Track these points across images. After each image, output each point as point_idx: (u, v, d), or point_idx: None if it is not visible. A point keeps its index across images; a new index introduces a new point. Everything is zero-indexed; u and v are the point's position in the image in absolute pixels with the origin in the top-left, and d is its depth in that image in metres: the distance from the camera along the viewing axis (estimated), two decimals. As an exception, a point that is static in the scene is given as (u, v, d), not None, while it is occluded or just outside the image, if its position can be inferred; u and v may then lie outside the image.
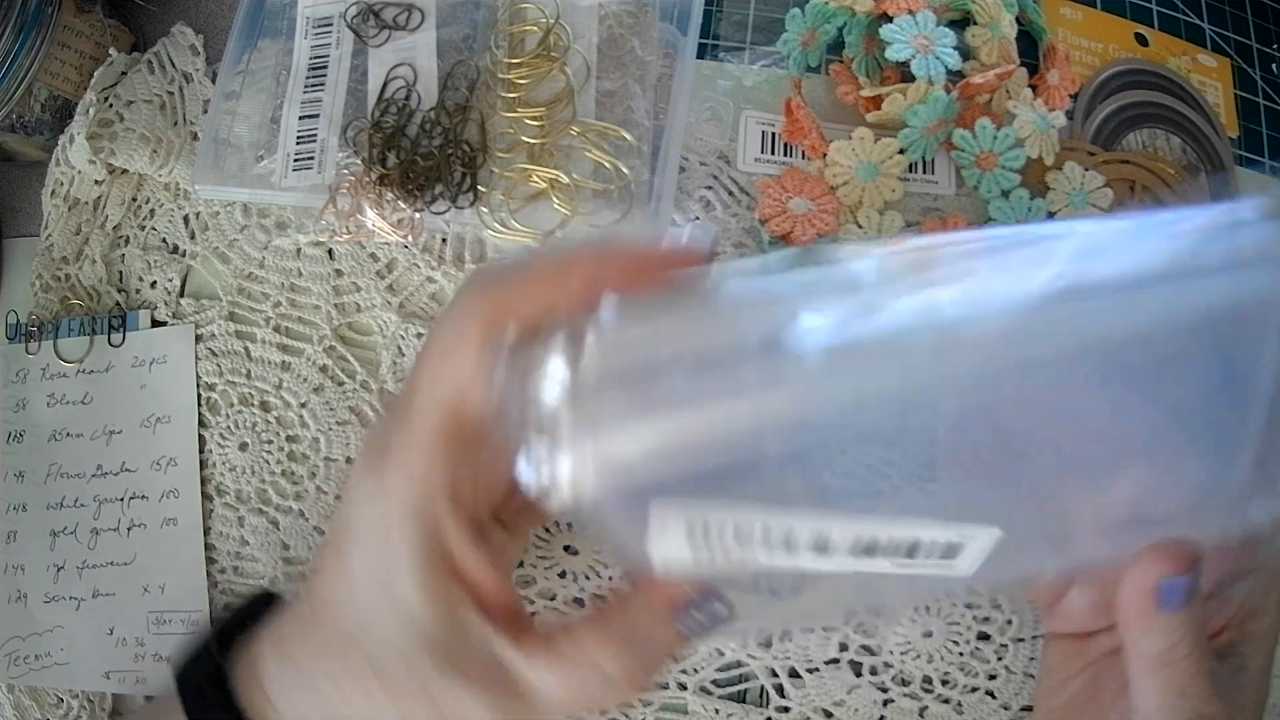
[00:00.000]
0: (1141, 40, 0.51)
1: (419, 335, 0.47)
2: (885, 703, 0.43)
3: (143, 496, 0.47)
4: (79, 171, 0.51)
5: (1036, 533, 0.25)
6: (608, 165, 0.45)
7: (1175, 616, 0.26)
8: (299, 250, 0.49)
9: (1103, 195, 0.45)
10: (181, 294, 0.50)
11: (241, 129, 0.49)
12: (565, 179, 0.45)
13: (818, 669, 0.43)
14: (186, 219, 0.51)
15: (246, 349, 0.49)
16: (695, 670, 0.44)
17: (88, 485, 0.48)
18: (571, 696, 0.25)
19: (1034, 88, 0.48)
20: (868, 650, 0.43)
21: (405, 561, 0.25)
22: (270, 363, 0.48)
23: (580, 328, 0.22)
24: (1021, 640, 0.43)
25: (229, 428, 0.48)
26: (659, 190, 0.46)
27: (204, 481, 0.47)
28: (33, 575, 0.47)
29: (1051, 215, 0.45)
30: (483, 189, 0.46)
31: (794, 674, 0.43)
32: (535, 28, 0.48)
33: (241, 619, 0.31)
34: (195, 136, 0.51)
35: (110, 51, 0.51)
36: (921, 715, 0.43)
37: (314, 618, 0.28)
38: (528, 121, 0.46)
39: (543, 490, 0.22)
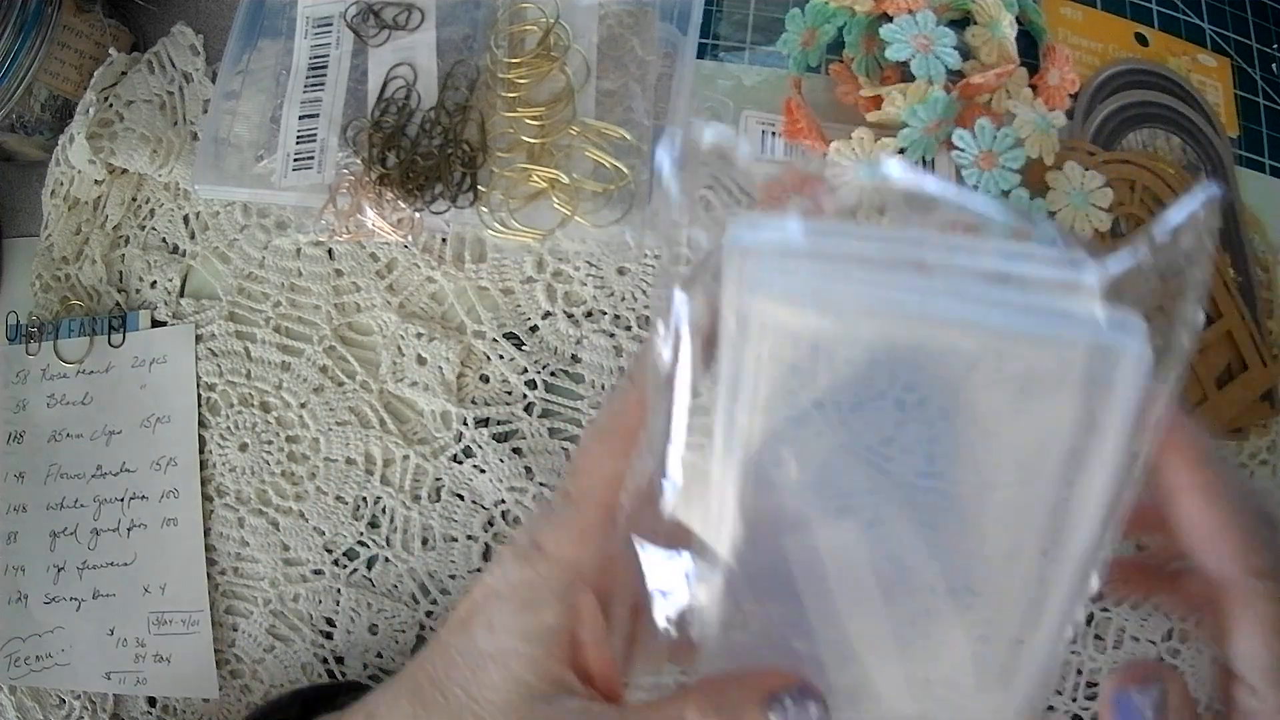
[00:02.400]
0: (1141, 40, 0.51)
1: (419, 335, 0.47)
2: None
3: (143, 497, 0.47)
4: (79, 171, 0.51)
5: None
6: (608, 165, 0.45)
7: None
8: (299, 250, 0.49)
9: (1103, 195, 0.45)
10: (181, 294, 0.50)
11: (241, 129, 0.49)
12: (565, 179, 0.45)
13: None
14: (186, 219, 0.51)
15: (246, 349, 0.49)
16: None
17: (88, 486, 0.48)
18: None
19: (1034, 87, 0.48)
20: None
21: (538, 640, 0.26)
22: (270, 363, 0.48)
23: None
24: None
25: (229, 428, 0.48)
26: (659, 191, 0.46)
27: (204, 482, 0.47)
28: (33, 576, 0.47)
29: (1052, 215, 0.45)
30: (483, 189, 0.46)
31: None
32: (535, 27, 0.48)
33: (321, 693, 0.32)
34: (195, 136, 0.51)
35: (110, 51, 0.51)
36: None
37: (416, 694, 0.28)
38: (528, 121, 0.46)
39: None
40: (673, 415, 0.25)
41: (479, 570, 0.45)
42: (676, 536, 0.26)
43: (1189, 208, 0.22)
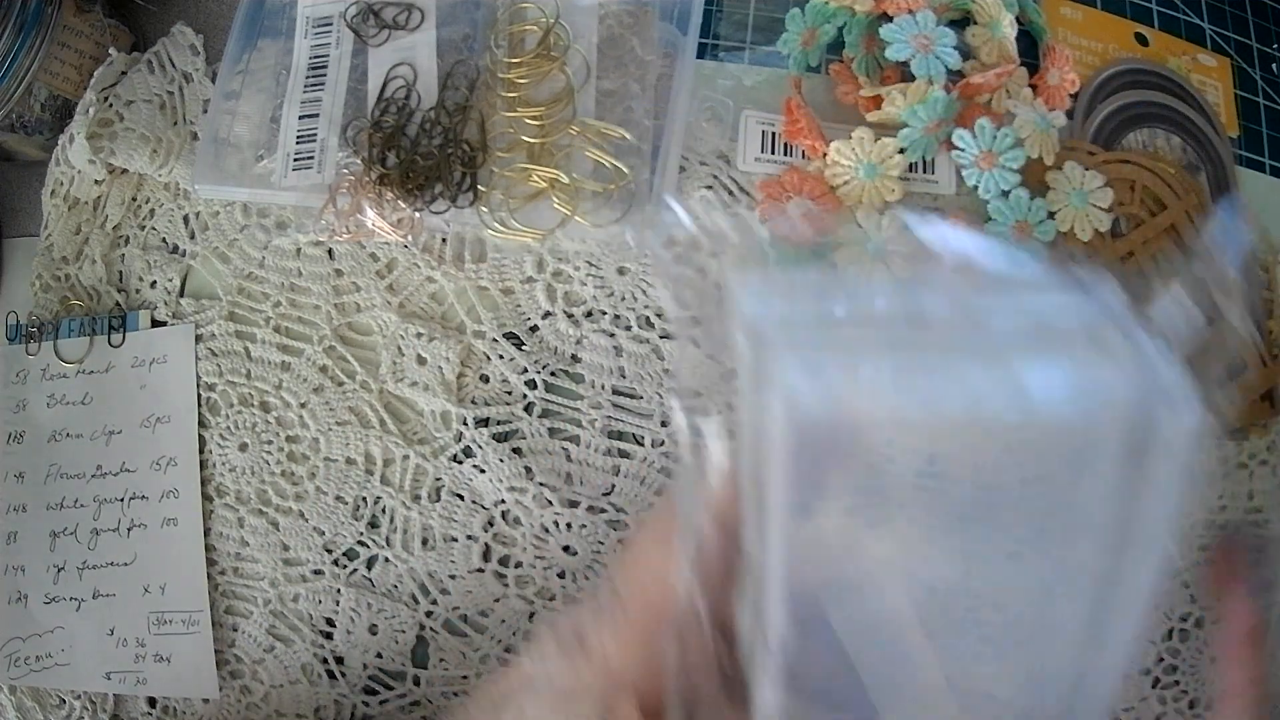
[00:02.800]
0: (1141, 40, 0.51)
1: (419, 335, 0.47)
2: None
3: (143, 497, 0.47)
4: (79, 171, 0.51)
5: None
6: (608, 165, 0.45)
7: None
8: (299, 250, 0.49)
9: (1103, 195, 0.45)
10: (181, 294, 0.50)
11: (241, 129, 0.49)
12: (565, 179, 0.45)
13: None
14: (186, 219, 0.51)
15: (246, 349, 0.49)
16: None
17: (88, 486, 0.48)
18: None
19: (1034, 87, 0.48)
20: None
21: None
22: (270, 363, 0.48)
23: None
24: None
25: (229, 428, 0.48)
26: (659, 190, 0.46)
27: (204, 482, 0.47)
28: (33, 576, 0.47)
29: (1051, 215, 0.45)
30: (482, 189, 0.46)
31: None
32: (535, 27, 0.48)
33: None
34: (195, 136, 0.51)
35: (110, 51, 0.51)
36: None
37: None
38: (528, 121, 0.46)
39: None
40: (703, 520, 0.24)
41: (480, 570, 0.45)
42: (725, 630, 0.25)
43: (1229, 232, 0.21)
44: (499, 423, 0.46)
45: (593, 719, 0.26)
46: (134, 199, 0.52)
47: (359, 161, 0.46)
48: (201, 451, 0.48)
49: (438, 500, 0.46)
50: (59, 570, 0.47)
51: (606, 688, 0.26)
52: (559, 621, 0.29)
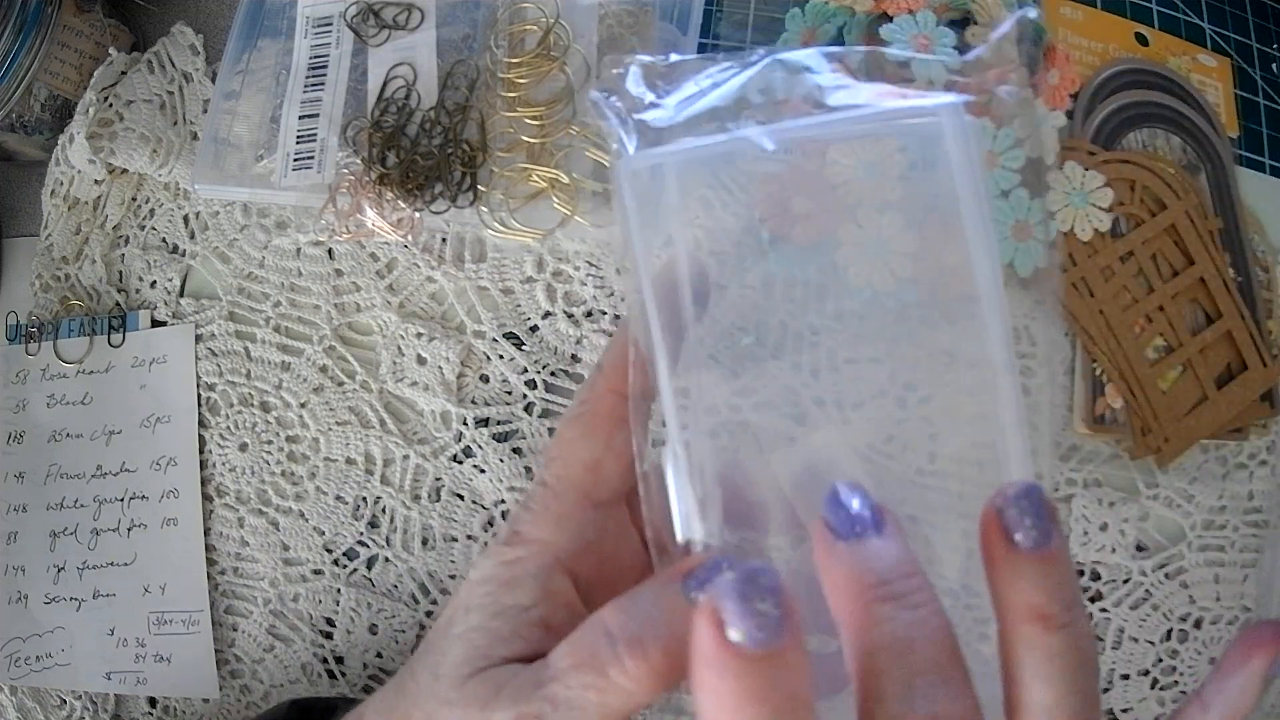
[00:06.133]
0: (1141, 40, 0.51)
1: (419, 335, 0.47)
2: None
3: (143, 497, 0.47)
4: (79, 171, 0.51)
5: None
6: (607, 165, 0.45)
7: None
8: (299, 250, 0.49)
9: (1103, 195, 0.45)
10: (181, 294, 0.50)
11: (241, 129, 0.49)
12: (565, 178, 0.45)
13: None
14: (186, 219, 0.51)
15: (246, 349, 0.49)
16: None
17: (88, 486, 0.48)
18: (578, 662, 0.25)
19: (1034, 87, 0.48)
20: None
21: (506, 616, 0.27)
22: (270, 363, 0.48)
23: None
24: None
25: (229, 428, 0.48)
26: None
27: (204, 482, 0.47)
28: (33, 576, 0.47)
29: (1051, 215, 0.45)
30: (482, 188, 0.46)
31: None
32: (535, 27, 0.48)
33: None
34: (195, 136, 0.51)
35: (110, 51, 0.51)
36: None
37: (396, 686, 0.28)
38: (527, 121, 0.46)
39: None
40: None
41: (479, 570, 0.45)
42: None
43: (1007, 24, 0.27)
44: (499, 423, 0.46)
45: (529, 594, 0.27)
46: (134, 199, 0.52)
47: (359, 161, 0.46)
48: (201, 451, 0.48)
49: (438, 500, 0.46)
50: (59, 570, 0.47)
51: (542, 566, 0.27)
52: (498, 530, 0.29)
